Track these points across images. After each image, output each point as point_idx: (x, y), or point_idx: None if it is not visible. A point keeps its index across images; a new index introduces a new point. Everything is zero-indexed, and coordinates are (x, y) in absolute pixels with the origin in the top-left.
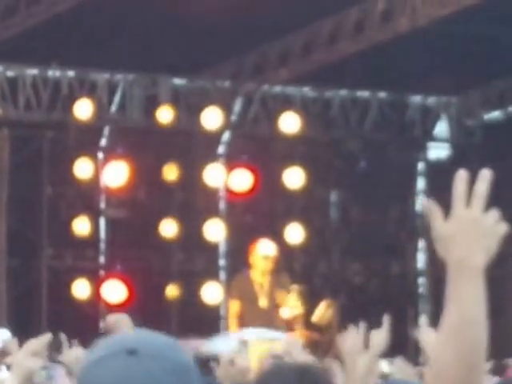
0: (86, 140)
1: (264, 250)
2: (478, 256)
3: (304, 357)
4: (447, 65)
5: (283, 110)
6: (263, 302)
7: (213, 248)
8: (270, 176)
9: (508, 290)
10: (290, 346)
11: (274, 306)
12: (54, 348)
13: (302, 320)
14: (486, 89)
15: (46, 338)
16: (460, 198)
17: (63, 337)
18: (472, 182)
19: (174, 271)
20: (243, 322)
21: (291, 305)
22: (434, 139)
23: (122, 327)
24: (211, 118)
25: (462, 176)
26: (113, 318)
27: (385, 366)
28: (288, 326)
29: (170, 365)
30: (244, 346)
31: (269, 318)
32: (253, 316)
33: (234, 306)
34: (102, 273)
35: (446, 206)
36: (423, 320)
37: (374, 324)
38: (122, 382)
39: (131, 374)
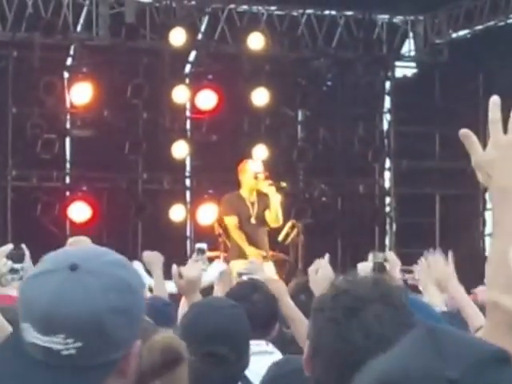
0: (51, 59)
1: (255, 168)
2: None
3: (268, 275)
4: None
5: (250, 28)
6: (253, 220)
7: (178, 168)
8: (236, 95)
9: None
10: (254, 265)
11: (262, 225)
12: (16, 259)
13: (267, 240)
14: (453, 7)
15: (6, 247)
16: (496, 124)
17: (25, 248)
18: (437, 99)
19: (140, 191)
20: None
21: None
22: (400, 57)
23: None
24: (177, 37)
25: (495, 101)
26: (73, 240)
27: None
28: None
29: (110, 281)
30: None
31: (257, 236)
32: (247, 233)
33: (233, 221)
34: (67, 193)
35: (412, 124)
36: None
37: (339, 244)
38: (60, 296)
39: (69, 289)
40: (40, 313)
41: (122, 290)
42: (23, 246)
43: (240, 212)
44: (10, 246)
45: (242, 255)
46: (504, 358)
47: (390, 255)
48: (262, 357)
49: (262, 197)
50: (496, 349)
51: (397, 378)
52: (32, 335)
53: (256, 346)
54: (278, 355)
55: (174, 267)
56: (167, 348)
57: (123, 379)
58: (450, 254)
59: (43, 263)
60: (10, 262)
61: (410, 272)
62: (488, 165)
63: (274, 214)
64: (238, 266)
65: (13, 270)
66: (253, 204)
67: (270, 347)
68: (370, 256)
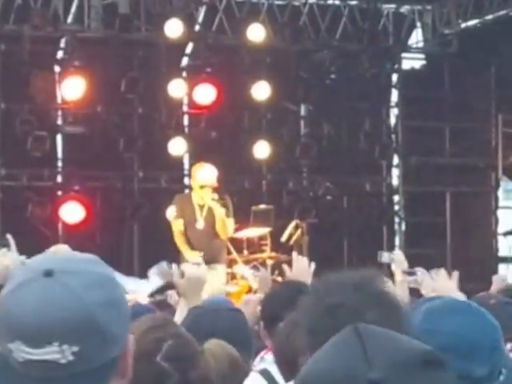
0: (41, 52)
1: (201, 179)
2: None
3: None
4: None
5: (249, 19)
6: (200, 225)
7: (176, 165)
8: (235, 89)
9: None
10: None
11: (212, 229)
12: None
13: (270, 240)
14: None
15: None
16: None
17: (10, 238)
18: (447, 92)
19: (136, 190)
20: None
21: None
22: (408, 49)
23: None
24: (174, 28)
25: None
26: (53, 250)
27: None
28: (255, 246)
29: (90, 278)
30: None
31: (206, 241)
32: (192, 238)
33: (179, 225)
34: (59, 193)
35: (421, 119)
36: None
37: (345, 245)
38: (43, 304)
39: (50, 294)
40: (28, 326)
41: (105, 285)
42: (8, 236)
43: (185, 215)
44: None
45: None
46: (434, 360)
47: (397, 255)
48: None
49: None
50: (426, 350)
51: (319, 379)
52: (24, 352)
53: None
54: None
55: (174, 266)
56: (233, 360)
57: (123, 379)
58: (456, 273)
59: (15, 277)
60: (22, 258)
61: (412, 274)
62: None
63: (219, 227)
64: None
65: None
66: (202, 207)
67: None
68: (378, 256)
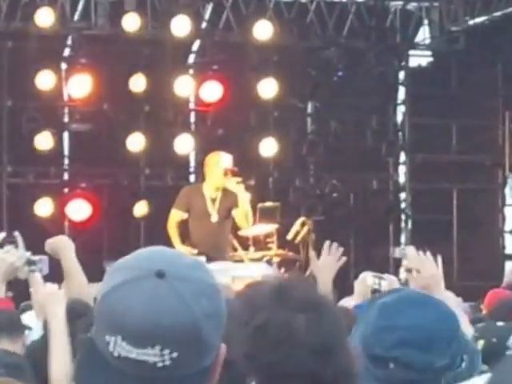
0: (48, 50)
1: (226, 164)
2: None
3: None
4: None
5: (256, 16)
6: (214, 218)
7: (182, 163)
8: (242, 86)
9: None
10: None
11: (224, 223)
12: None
13: (276, 238)
14: None
15: None
16: None
17: (18, 235)
18: (454, 89)
19: (142, 187)
20: (192, 237)
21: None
22: (415, 46)
23: (63, 248)
24: (180, 25)
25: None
26: (51, 241)
27: (375, 281)
28: (261, 243)
29: (199, 286)
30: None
31: (218, 235)
32: (203, 231)
33: (176, 217)
34: (65, 190)
35: (428, 116)
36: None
37: (352, 243)
38: (152, 305)
39: (161, 297)
40: (135, 325)
41: (211, 294)
42: (16, 233)
43: (192, 207)
44: (2, 235)
45: None
46: None
47: (410, 250)
48: None
49: (229, 195)
50: None
51: None
52: (122, 348)
53: None
54: None
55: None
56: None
57: None
58: (439, 257)
59: (124, 270)
60: (28, 254)
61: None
62: None
63: (244, 215)
64: None
65: (30, 262)
66: (214, 201)
67: None
68: (391, 251)
